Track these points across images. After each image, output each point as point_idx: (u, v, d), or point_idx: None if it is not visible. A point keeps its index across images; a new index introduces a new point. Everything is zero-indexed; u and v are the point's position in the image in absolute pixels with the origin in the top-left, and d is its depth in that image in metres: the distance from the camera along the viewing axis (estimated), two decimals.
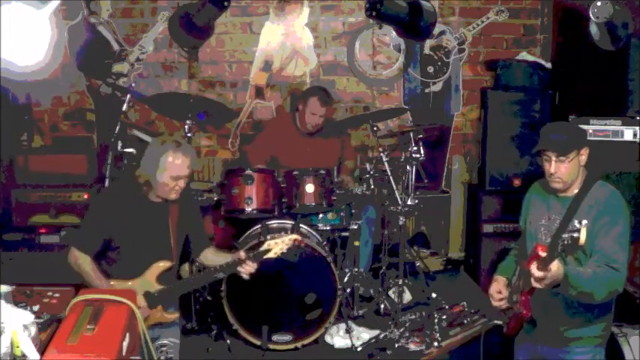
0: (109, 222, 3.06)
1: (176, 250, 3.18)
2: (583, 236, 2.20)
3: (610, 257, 2.53)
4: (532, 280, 2.43)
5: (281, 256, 3.19)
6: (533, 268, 2.40)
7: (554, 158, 2.64)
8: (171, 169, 3.04)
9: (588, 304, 2.60)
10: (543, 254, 2.37)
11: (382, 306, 4.26)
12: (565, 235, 2.25)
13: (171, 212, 3.17)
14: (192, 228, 3.30)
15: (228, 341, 3.82)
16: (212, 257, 3.32)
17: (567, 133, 2.71)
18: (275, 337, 3.79)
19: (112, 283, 3.03)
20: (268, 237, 3.21)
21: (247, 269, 3.14)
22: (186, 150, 3.12)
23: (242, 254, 3.15)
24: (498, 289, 2.83)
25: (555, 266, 2.37)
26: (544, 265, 2.36)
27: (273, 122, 5.00)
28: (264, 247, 3.16)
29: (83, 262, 3.02)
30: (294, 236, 3.19)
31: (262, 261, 3.17)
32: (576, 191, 2.69)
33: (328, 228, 4.24)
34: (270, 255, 3.15)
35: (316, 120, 4.52)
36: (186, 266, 3.94)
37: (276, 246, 3.15)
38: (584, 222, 2.22)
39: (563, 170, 2.64)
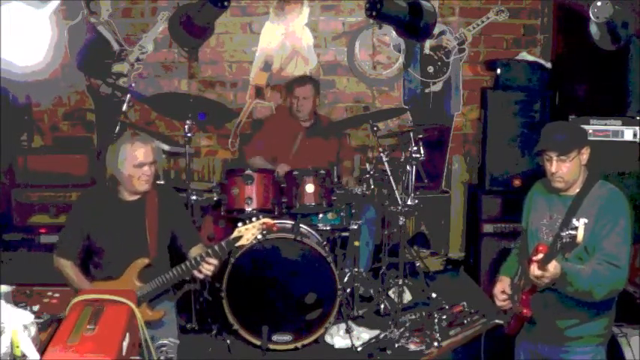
0: (84, 225, 3.12)
1: (155, 245, 3.16)
2: (580, 234, 2.21)
3: (611, 255, 2.54)
4: (531, 278, 2.44)
5: (254, 242, 3.10)
6: (533, 267, 2.40)
7: (555, 158, 2.65)
8: (132, 158, 3.07)
9: (588, 302, 2.60)
10: (542, 255, 2.38)
11: (382, 306, 4.25)
12: (564, 234, 2.25)
13: (148, 209, 3.18)
14: (175, 224, 3.30)
15: (228, 341, 3.81)
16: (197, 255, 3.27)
17: (568, 132, 2.72)
18: (275, 337, 3.78)
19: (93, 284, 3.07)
20: (239, 224, 3.10)
21: (206, 268, 3.06)
22: (144, 138, 3.16)
23: (204, 254, 3.05)
24: (502, 289, 2.83)
25: (552, 266, 2.38)
26: (542, 263, 2.37)
27: (271, 120, 5.01)
28: (235, 234, 3.08)
29: (64, 267, 3.10)
30: (264, 220, 3.08)
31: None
32: (577, 190, 2.70)
33: (328, 228, 4.24)
34: (243, 242, 3.06)
35: (309, 104, 4.60)
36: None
37: (247, 232, 3.05)
38: (583, 220, 2.22)
39: (565, 170, 2.65)
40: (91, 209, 3.16)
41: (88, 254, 3.17)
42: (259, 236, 3.14)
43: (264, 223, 3.09)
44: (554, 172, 2.67)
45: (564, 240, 2.25)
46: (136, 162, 3.07)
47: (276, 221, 4.03)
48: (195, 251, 3.32)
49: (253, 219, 3.08)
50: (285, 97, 5.08)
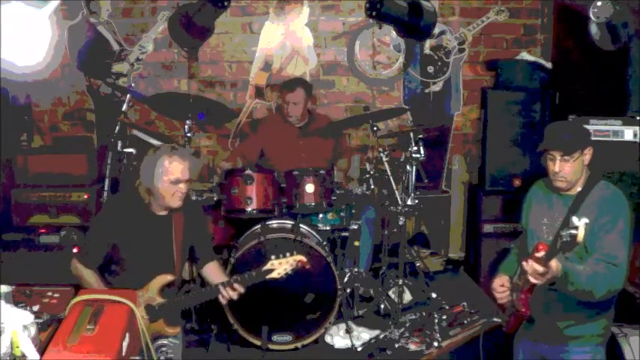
0: (111, 235, 3.05)
1: (179, 262, 3.15)
2: (581, 234, 2.20)
3: (610, 254, 2.54)
4: (529, 276, 2.43)
5: (285, 276, 3.11)
6: (531, 263, 2.40)
7: (558, 157, 2.66)
8: (169, 173, 3.01)
9: (587, 302, 2.60)
10: (543, 253, 2.38)
11: (382, 306, 4.25)
12: (564, 233, 2.26)
13: (175, 224, 3.14)
14: (196, 239, 3.28)
15: (228, 341, 3.81)
16: (211, 274, 3.30)
17: (572, 132, 2.72)
18: (275, 337, 3.78)
19: None
20: (272, 257, 3.11)
21: (230, 294, 3.08)
22: (183, 154, 3.09)
23: (232, 280, 3.09)
24: (501, 283, 2.83)
25: (555, 263, 2.37)
26: (543, 261, 2.37)
27: (264, 122, 5.00)
28: (267, 266, 3.09)
29: (86, 274, 3.04)
30: (299, 257, 3.10)
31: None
32: (579, 190, 2.70)
33: (328, 228, 4.24)
34: (273, 275, 3.08)
35: (299, 109, 4.56)
36: (186, 266, 3.94)
37: (280, 266, 3.07)
38: (584, 220, 2.22)
39: (567, 169, 2.66)
40: (120, 220, 3.07)
41: (107, 262, 3.11)
42: (290, 272, 3.11)
43: (299, 261, 3.09)
44: (556, 172, 2.67)
45: (564, 239, 2.25)
46: (172, 178, 3.01)
47: (276, 221, 4.07)
48: (211, 269, 3.33)
49: (287, 254, 3.09)
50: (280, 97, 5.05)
